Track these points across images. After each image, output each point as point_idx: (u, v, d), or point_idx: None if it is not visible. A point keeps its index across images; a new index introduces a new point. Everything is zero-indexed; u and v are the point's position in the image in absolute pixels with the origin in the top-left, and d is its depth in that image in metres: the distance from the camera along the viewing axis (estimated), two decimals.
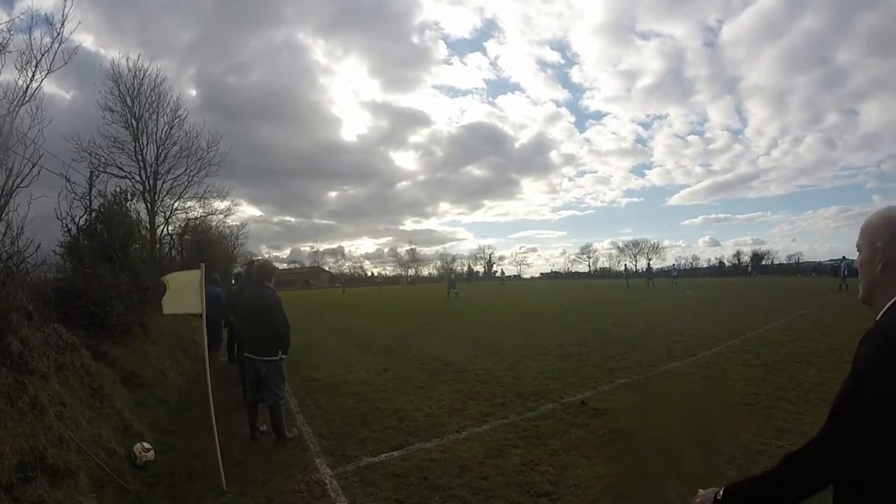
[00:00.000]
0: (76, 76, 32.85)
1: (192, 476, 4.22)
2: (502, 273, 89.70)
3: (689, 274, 75.16)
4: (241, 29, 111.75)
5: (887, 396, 1.13)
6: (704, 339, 10.17)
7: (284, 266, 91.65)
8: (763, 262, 73.48)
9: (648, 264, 58.31)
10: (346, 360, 9.53)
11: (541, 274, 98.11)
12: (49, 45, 8.99)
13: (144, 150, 15.42)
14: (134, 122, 15.18)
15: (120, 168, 14.97)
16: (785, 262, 73.32)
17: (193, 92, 78.43)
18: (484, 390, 6.73)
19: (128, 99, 15.14)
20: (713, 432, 4.76)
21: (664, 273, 51.07)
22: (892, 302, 1.28)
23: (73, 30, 9.51)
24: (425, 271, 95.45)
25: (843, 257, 29.46)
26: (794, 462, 1.25)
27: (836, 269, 28.91)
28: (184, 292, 4.25)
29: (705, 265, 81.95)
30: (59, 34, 9.20)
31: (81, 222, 8.39)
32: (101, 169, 13.56)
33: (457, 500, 3.62)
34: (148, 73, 15.40)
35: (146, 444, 4.49)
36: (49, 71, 8.94)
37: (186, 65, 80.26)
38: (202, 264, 4.41)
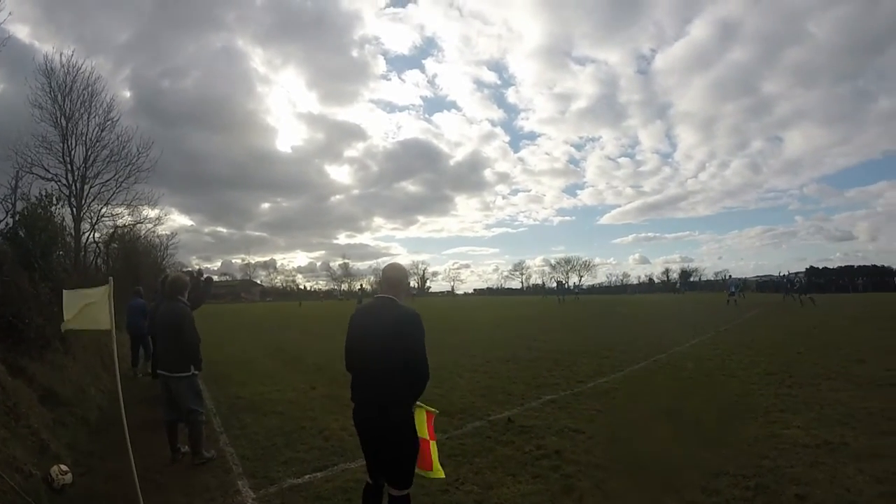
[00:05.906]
0: (8, 68, 30.73)
1: (110, 499, 4.19)
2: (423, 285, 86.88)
3: (619, 290, 78.51)
4: (180, 31, 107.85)
5: (349, 335, 3.16)
6: (632, 355, 10.62)
7: (216, 278, 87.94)
8: (691, 279, 78.13)
9: (558, 282, 59.76)
10: (273, 377, 9.49)
11: (474, 290, 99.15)
12: None
13: (73, 152, 14.80)
14: (64, 122, 14.56)
15: (46, 170, 14.33)
16: (712, 278, 78.32)
17: (127, 94, 74.67)
18: None
19: (59, 96, 14.55)
20: (638, 447, 5.02)
21: (569, 291, 53.15)
22: (387, 298, 3.07)
23: (3, 20, 9.15)
24: (358, 286, 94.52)
25: (729, 276, 32.21)
26: None
27: (726, 287, 31.05)
28: (91, 307, 4.00)
29: (635, 282, 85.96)
30: None
31: (2, 226, 8.05)
32: (26, 169, 12.96)
33: None
34: (81, 71, 14.89)
35: (63, 467, 4.39)
36: None
37: (122, 65, 76.67)
38: (110, 278, 4.29)
